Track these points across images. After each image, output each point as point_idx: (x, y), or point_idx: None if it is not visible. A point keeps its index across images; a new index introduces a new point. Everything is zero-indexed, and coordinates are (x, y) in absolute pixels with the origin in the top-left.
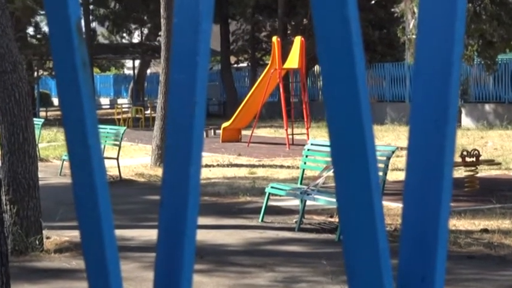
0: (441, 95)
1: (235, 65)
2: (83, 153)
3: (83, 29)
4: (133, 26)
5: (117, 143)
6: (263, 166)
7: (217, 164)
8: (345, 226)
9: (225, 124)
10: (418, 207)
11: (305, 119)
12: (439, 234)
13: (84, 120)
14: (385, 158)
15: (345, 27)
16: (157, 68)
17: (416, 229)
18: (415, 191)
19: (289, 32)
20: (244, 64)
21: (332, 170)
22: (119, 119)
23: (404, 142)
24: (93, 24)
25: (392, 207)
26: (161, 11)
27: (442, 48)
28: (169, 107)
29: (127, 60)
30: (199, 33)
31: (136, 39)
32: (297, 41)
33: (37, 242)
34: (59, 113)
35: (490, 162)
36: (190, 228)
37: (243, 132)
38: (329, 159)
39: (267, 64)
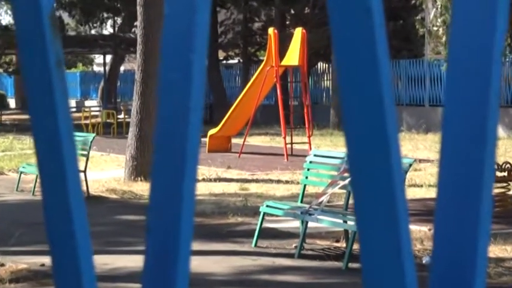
0: (479, 99)
1: (224, 62)
2: (56, 167)
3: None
4: (105, 15)
5: (85, 152)
6: (257, 181)
7: (202, 179)
8: (366, 254)
9: (212, 131)
10: (452, 232)
11: (306, 126)
12: (477, 264)
13: (58, 128)
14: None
15: (367, 21)
16: (132, 64)
17: (449, 257)
18: (449, 213)
19: (288, 22)
20: (235, 60)
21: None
22: (86, 125)
23: (423, 153)
24: (58, 13)
25: (411, 230)
26: None
27: (481, 44)
28: (158, 114)
29: (97, 55)
30: (195, 25)
31: (108, 30)
32: (298, 33)
33: None
34: (16, 117)
35: None
36: (184, 257)
37: (233, 141)
38: (335, 173)
39: (262, 61)
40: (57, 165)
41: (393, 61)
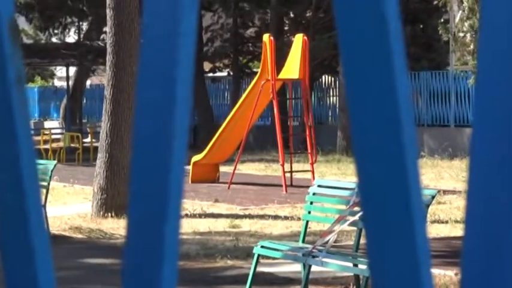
0: None
1: (211, 74)
2: (16, 201)
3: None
4: (68, 20)
5: (45, 183)
6: (250, 217)
7: (185, 214)
8: None
9: (196, 157)
10: (482, 278)
11: (309, 151)
12: None
13: (18, 155)
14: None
15: (381, 30)
16: (101, 77)
17: None
18: (478, 254)
19: (286, 28)
20: (224, 73)
21: (347, 223)
22: (46, 150)
23: (447, 183)
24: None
25: (434, 275)
26: None
27: None
28: (135, 139)
29: (58, 67)
30: (179, 35)
31: (72, 37)
32: (298, 40)
33: None
34: None
35: None
36: None
37: (222, 169)
38: (343, 206)
39: (256, 73)
40: (17, 199)
41: (412, 73)
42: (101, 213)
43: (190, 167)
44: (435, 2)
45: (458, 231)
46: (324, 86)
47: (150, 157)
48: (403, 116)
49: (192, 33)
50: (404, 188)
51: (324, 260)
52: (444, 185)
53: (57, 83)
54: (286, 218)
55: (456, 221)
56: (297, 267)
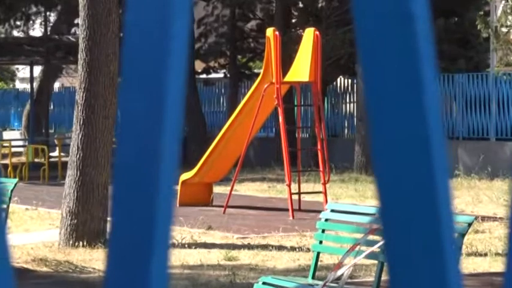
0: None
1: (204, 76)
2: None
3: None
4: (33, 9)
5: (3, 206)
6: (249, 247)
7: (172, 244)
8: None
9: (186, 175)
10: None
11: (321, 168)
12: None
13: None
14: (456, 235)
15: (407, 31)
16: (72, 79)
17: None
18: None
19: (293, 20)
20: (219, 74)
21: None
22: (5, 166)
23: (487, 207)
24: None
25: None
26: None
27: None
28: (118, 158)
29: (21, 67)
30: (171, 38)
31: (38, 31)
32: (308, 35)
33: None
34: None
35: None
36: None
37: (216, 190)
38: (359, 235)
39: (257, 75)
40: None
41: (444, 75)
42: (71, 242)
43: (178, 187)
44: None
45: (499, 265)
46: (339, 90)
47: (134, 179)
48: (432, 129)
49: (184, 34)
50: (434, 214)
51: None
52: (483, 210)
53: (19, 85)
54: (292, 248)
55: (497, 254)
56: None
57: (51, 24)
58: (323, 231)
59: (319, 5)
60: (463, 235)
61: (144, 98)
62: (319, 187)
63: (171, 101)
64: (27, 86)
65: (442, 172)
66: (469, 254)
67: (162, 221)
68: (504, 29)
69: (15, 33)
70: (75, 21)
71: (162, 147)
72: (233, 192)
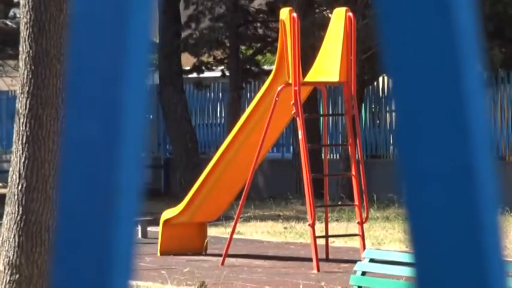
0: None
1: (195, 75)
2: None
3: None
4: None
5: None
6: None
7: None
8: None
9: (169, 213)
10: None
11: (356, 201)
12: None
13: None
14: None
15: (444, 26)
16: (9, 80)
17: None
18: None
19: None
20: (216, 73)
21: None
22: None
23: None
24: None
25: None
26: None
27: None
28: (61, 196)
29: None
30: (127, 36)
31: None
32: (338, 18)
33: None
34: None
35: None
36: None
37: (211, 232)
38: None
39: (268, 72)
40: None
41: (497, 76)
42: None
43: (159, 229)
44: None
45: None
46: (381, 94)
47: (82, 223)
48: (478, 155)
49: (145, 27)
50: (480, 259)
51: None
52: None
53: None
54: None
55: None
56: None
57: None
58: (360, 287)
59: None
60: None
61: (93, 119)
62: (354, 228)
63: (129, 119)
64: None
65: (490, 207)
66: None
67: (121, 269)
68: None
69: None
70: (15, 1)
71: (118, 179)
72: (235, 236)
